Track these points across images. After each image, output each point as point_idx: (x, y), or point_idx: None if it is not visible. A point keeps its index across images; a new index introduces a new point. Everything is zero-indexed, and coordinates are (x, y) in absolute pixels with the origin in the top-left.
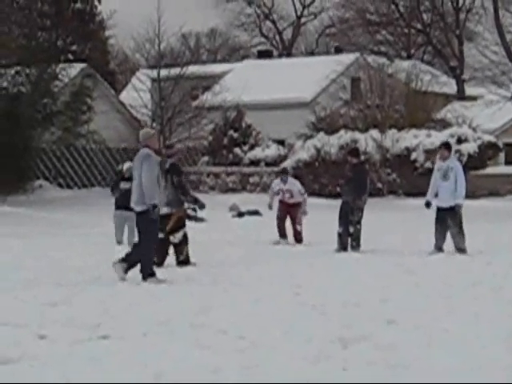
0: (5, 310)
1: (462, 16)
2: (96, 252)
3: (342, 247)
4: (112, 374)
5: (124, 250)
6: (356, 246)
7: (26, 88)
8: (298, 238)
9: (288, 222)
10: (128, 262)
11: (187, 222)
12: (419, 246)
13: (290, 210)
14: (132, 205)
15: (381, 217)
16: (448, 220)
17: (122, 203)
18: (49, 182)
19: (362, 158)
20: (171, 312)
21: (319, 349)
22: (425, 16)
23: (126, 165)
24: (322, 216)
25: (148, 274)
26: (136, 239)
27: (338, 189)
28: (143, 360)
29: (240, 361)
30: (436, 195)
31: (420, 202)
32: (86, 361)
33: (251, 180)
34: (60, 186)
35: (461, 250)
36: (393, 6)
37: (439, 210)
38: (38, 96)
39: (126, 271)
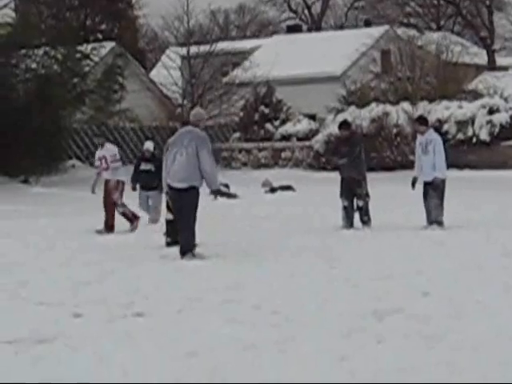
0: (39, 290)
1: None
2: (128, 231)
3: (350, 222)
4: (146, 352)
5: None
6: (368, 221)
7: (55, 68)
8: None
9: None
10: (185, 245)
11: (220, 198)
12: (446, 217)
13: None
14: (175, 183)
15: (410, 190)
16: (430, 192)
17: (146, 184)
18: (81, 161)
19: (346, 130)
20: (204, 288)
21: (353, 322)
22: None
23: (146, 144)
24: None
25: (189, 250)
26: (157, 216)
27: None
28: (177, 337)
29: (274, 336)
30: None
31: (451, 173)
32: (120, 339)
33: (283, 155)
34: (92, 165)
35: (438, 222)
36: None
37: (424, 184)
38: (68, 76)
39: (193, 254)
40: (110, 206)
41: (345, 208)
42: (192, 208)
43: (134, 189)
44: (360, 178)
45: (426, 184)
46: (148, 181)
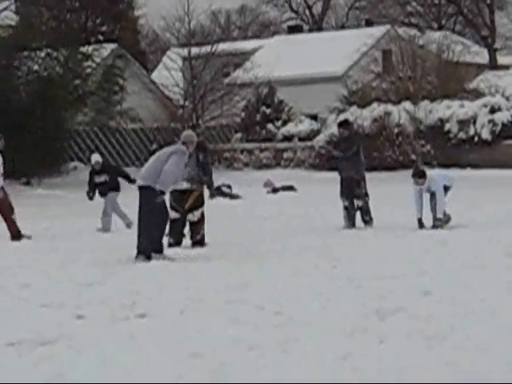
0: (41, 292)
1: None
2: (129, 232)
3: (352, 222)
4: (149, 353)
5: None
6: (369, 221)
7: (56, 70)
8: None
9: None
10: (143, 249)
11: (222, 199)
12: (453, 218)
13: None
14: (140, 181)
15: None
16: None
17: (105, 193)
18: (83, 163)
19: (347, 127)
20: (207, 289)
21: (356, 322)
22: None
23: (94, 157)
24: None
25: (156, 250)
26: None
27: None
28: (180, 338)
29: (277, 336)
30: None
31: (453, 172)
32: (123, 340)
33: (285, 155)
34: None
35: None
36: None
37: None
38: (69, 78)
39: (148, 257)
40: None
41: (346, 208)
42: (150, 207)
43: (91, 198)
44: (359, 178)
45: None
46: (104, 189)
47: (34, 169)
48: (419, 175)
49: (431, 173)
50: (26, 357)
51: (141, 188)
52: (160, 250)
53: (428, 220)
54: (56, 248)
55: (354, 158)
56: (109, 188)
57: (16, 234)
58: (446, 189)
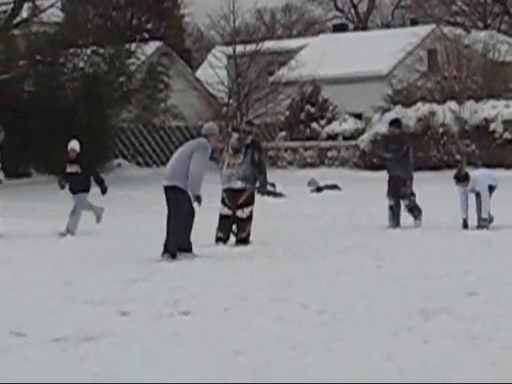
0: (87, 288)
1: None
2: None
3: (396, 222)
4: (193, 351)
5: None
6: (418, 215)
7: (102, 67)
8: None
9: None
10: (170, 248)
11: (266, 198)
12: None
13: None
14: (165, 181)
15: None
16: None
17: (72, 187)
18: (127, 160)
19: (397, 127)
20: (251, 287)
21: (400, 321)
22: None
23: (71, 144)
24: None
25: (184, 249)
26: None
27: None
28: (224, 335)
29: (321, 335)
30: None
31: (497, 173)
32: (167, 337)
33: (329, 154)
34: (138, 164)
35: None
36: None
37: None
38: (115, 75)
39: (174, 256)
40: None
41: (391, 207)
42: (179, 208)
43: (62, 187)
44: (406, 177)
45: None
46: (74, 184)
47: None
48: (461, 179)
49: (475, 173)
50: (70, 352)
51: (166, 188)
52: (189, 250)
53: (473, 220)
54: (100, 245)
55: (402, 158)
56: (80, 187)
57: None
58: (491, 188)
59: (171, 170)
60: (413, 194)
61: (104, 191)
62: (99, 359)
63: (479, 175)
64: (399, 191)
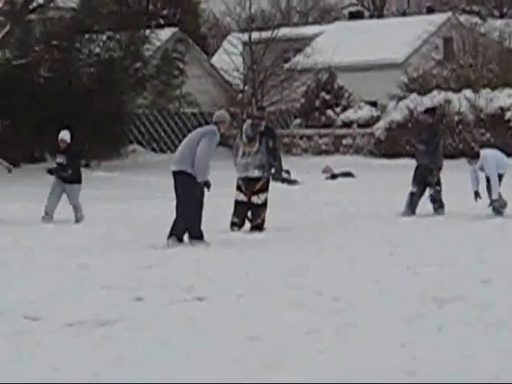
0: (102, 274)
1: None
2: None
3: (412, 210)
4: (208, 335)
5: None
6: (439, 208)
7: (117, 53)
8: None
9: None
10: (176, 231)
11: (281, 185)
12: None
13: None
14: (173, 166)
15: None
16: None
17: (61, 177)
18: (142, 146)
19: (431, 116)
20: (266, 273)
21: (414, 309)
22: None
23: (62, 134)
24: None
25: (196, 237)
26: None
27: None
28: (238, 321)
29: (335, 321)
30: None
31: None
32: (181, 322)
33: (344, 142)
34: (153, 150)
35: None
36: None
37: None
38: (130, 61)
39: (180, 240)
40: None
41: (412, 194)
42: (188, 193)
43: (49, 172)
44: (432, 167)
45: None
46: (62, 174)
47: (94, 151)
48: (472, 156)
49: (485, 152)
50: (85, 337)
51: (175, 173)
52: (201, 237)
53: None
54: (114, 231)
55: (432, 148)
56: (70, 179)
57: None
58: (500, 176)
59: (180, 155)
60: (439, 184)
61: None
62: (113, 344)
63: (488, 155)
64: (426, 179)
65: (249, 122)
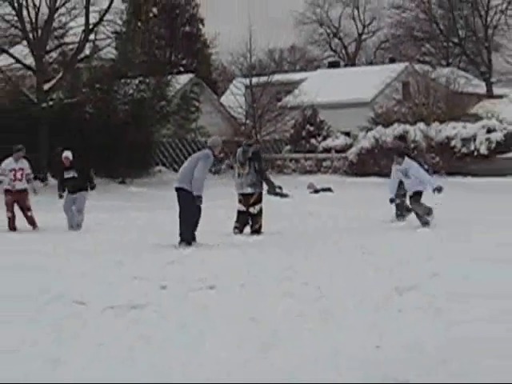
0: (134, 268)
1: (490, 31)
2: (208, 221)
3: (399, 214)
4: (217, 317)
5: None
6: (401, 216)
7: (146, 94)
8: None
9: None
10: (185, 236)
11: (274, 198)
12: (455, 215)
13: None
14: (176, 183)
15: (425, 193)
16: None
17: (72, 188)
18: (166, 167)
19: (403, 141)
20: (262, 269)
21: (380, 296)
22: (460, 32)
23: (66, 153)
24: (379, 193)
25: (187, 241)
26: (81, 217)
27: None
28: (241, 306)
29: (318, 307)
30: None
31: (457, 180)
32: (196, 306)
33: (324, 164)
34: (175, 170)
35: (427, 223)
36: (434, 25)
37: (409, 196)
38: (156, 100)
39: (189, 243)
40: (26, 209)
41: (397, 205)
42: (187, 206)
43: (60, 196)
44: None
45: (415, 194)
46: (74, 186)
47: (128, 171)
48: (399, 155)
49: (413, 162)
50: (121, 318)
51: (177, 189)
52: (189, 242)
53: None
54: (144, 234)
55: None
56: (79, 188)
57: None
58: (420, 193)
59: (181, 175)
60: (404, 195)
61: (93, 188)
62: (143, 324)
63: (415, 164)
64: (399, 191)
65: (240, 149)
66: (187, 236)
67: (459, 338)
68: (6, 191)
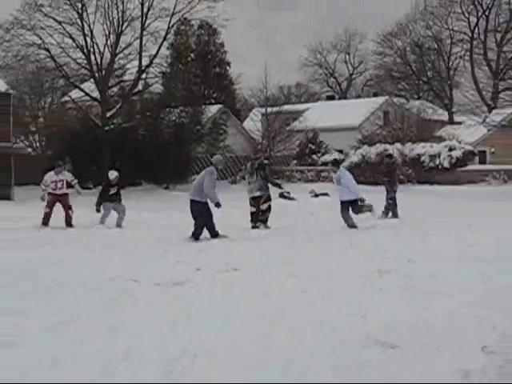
0: (176, 254)
1: (451, 72)
2: (228, 220)
3: (388, 213)
4: (240, 292)
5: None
6: (385, 214)
7: (185, 120)
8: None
9: None
10: (195, 234)
11: (282, 200)
12: (425, 215)
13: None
14: (190, 196)
15: (401, 198)
16: (343, 207)
17: (113, 200)
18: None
19: (391, 159)
20: (273, 255)
21: (365, 276)
22: (428, 73)
23: (115, 173)
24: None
25: (195, 237)
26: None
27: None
28: (257, 283)
29: (316, 285)
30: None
31: (426, 187)
32: (223, 284)
33: (322, 174)
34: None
35: (354, 226)
36: (408, 67)
37: (341, 202)
38: (193, 125)
39: (197, 239)
40: (68, 210)
41: (387, 205)
42: (198, 213)
43: (98, 211)
44: (389, 189)
45: (342, 202)
46: (113, 200)
47: (171, 179)
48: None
49: (345, 172)
50: (166, 293)
51: (191, 201)
52: (197, 238)
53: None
54: (181, 230)
55: (390, 177)
56: (119, 199)
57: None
58: (354, 201)
59: (193, 189)
60: (391, 199)
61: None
62: (184, 298)
63: (347, 174)
64: (387, 197)
65: (249, 163)
66: (197, 234)
67: (428, 309)
68: (49, 193)
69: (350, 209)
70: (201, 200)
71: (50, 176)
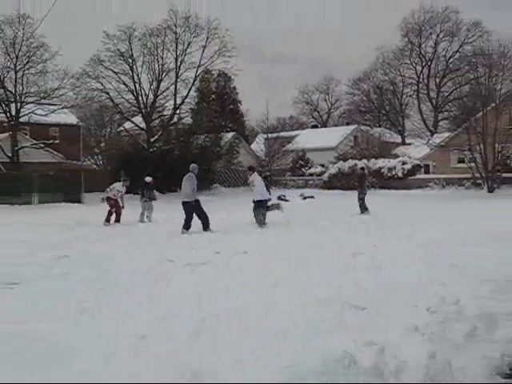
0: (197, 242)
1: (403, 107)
2: (236, 216)
3: (364, 209)
4: (248, 275)
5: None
6: (361, 212)
7: (208, 144)
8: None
9: None
10: (185, 227)
11: (280, 201)
12: (386, 213)
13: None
14: (181, 197)
15: (369, 199)
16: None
17: (149, 198)
18: (219, 184)
19: (363, 170)
20: (271, 243)
21: (341, 257)
22: (386, 107)
23: (150, 179)
24: (341, 199)
25: (186, 228)
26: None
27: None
28: (263, 266)
29: (307, 266)
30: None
31: (386, 192)
32: (237, 264)
33: (310, 182)
34: (225, 186)
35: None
36: (371, 104)
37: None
38: (214, 147)
39: (188, 230)
40: (119, 209)
41: (360, 204)
42: (187, 210)
43: (145, 201)
44: (360, 191)
45: (255, 202)
46: (150, 198)
47: (198, 187)
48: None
49: (257, 177)
50: (194, 272)
51: (182, 202)
52: (187, 230)
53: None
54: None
55: (361, 184)
56: (151, 199)
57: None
58: (264, 201)
59: (183, 192)
60: (361, 199)
61: (155, 199)
62: (207, 275)
63: (259, 179)
64: (358, 198)
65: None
66: (186, 226)
67: (387, 282)
68: (109, 198)
69: (263, 207)
70: (189, 200)
71: (119, 185)
